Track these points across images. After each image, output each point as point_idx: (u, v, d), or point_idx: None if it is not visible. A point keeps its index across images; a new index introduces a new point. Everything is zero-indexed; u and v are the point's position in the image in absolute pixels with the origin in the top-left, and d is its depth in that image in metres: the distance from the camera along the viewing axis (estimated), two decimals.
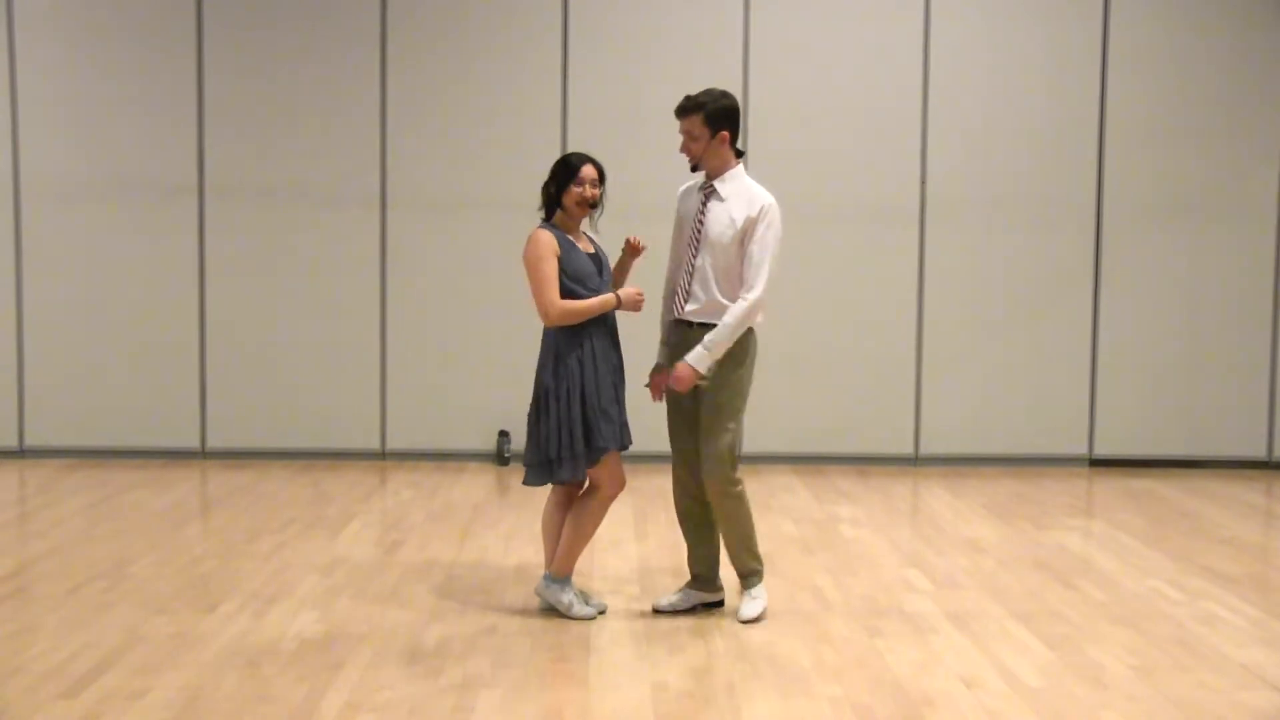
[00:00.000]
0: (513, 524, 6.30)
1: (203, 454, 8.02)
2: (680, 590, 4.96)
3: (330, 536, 6.04)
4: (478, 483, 7.38)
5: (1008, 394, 8.03)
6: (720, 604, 4.94)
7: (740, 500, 4.76)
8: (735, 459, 4.73)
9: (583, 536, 4.79)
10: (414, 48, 7.87)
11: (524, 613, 4.84)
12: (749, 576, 4.86)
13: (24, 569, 5.40)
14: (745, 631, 4.64)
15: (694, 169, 4.80)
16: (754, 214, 4.64)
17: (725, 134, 4.71)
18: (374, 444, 8.02)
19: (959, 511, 6.79)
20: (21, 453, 8.01)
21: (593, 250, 4.81)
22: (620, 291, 4.70)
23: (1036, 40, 7.92)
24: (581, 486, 4.84)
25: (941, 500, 7.11)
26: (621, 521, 6.35)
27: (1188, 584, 5.35)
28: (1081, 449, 8.09)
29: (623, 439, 4.77)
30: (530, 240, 4.68)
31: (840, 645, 4.49)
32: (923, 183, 7.94)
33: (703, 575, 4.94)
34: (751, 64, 7.87)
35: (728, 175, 4.74)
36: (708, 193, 4.77)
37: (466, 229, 7.89)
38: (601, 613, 4.84)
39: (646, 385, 4.89)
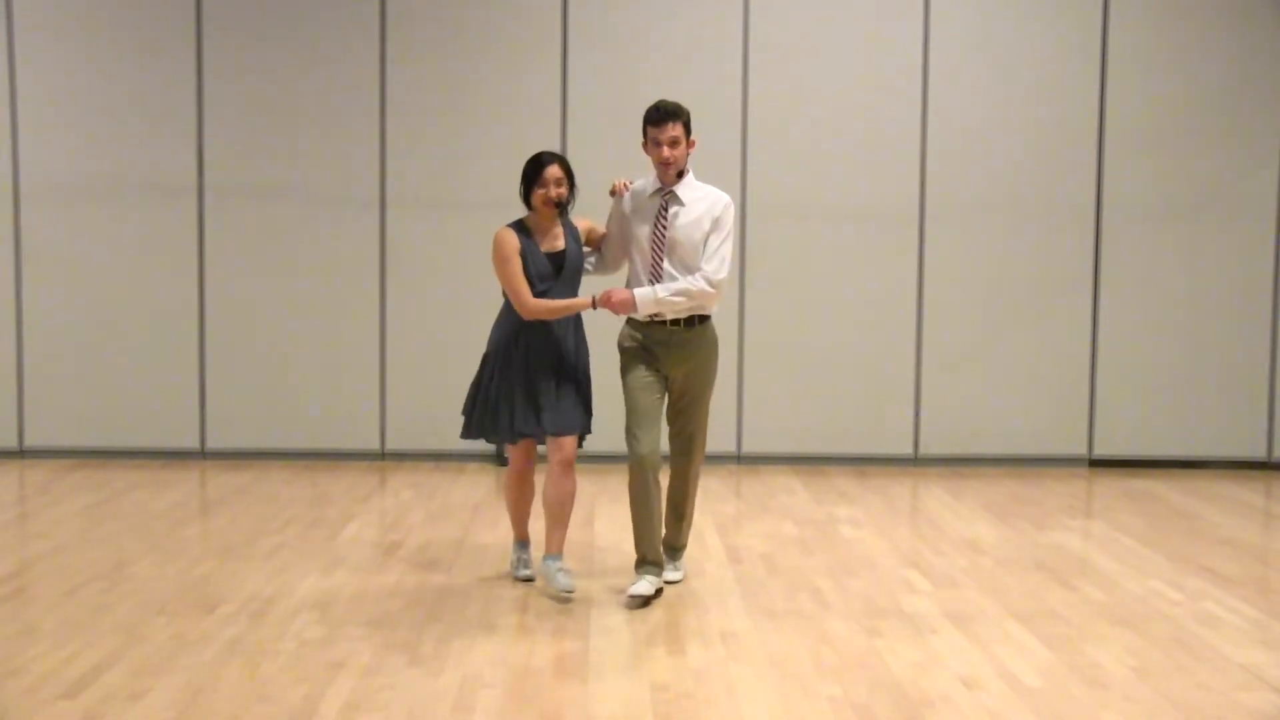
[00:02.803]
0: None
1: (202, 454, 8.02)
2: (644, 578, 5.06)
3: (330, 537, 6.04)
4: (477, 483, 7.37)
5: (1007, 394, 8.03)
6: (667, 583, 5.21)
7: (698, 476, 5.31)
8: None
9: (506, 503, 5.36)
10: (413, 48, 7.87)
11: (524, 612, 4.84)
12: (682, 549, 5.35)
13: (24, 569, 5.40)
14: (745, 632, 4.64)
15: (680, 175, 4.96)
16: (718, 213, 4.91)
17: (694, 140, 4.98)
18: (373, 445, 8.02)
19: (958, 512, 6.79)
20: (21, 453, 8.01)
21: (561, 247, 5.00)
22: (598, 295, 4.91)
23: (1036, 41, 7.92)
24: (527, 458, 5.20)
25: (941, 501, 7.11)
26: (622, 522, 6.34)
27: (1187, 585, 5.36)
28: (1081, 449, 8.09)
29: (536, 429, 5.01)
30: (494, 242, 4.97)
31: (840, 646, 4.50)
32: (922, 183, 7.95)
33: (659, 560, 5.13)
34: (751, 64, 7.88)
35: (686, 181, 4.97)
36: (667, 198, 4.94)
37: (466, 229, 7.89)
38: (528, 580, 5.22)
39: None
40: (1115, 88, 7.93)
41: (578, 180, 5.06)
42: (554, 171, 4.92)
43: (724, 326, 7.83)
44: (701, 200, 4.93)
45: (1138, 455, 8.10)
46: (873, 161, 7.92)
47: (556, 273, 4.97)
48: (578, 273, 5.08)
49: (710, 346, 5.07)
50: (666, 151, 4.87)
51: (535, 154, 4.99)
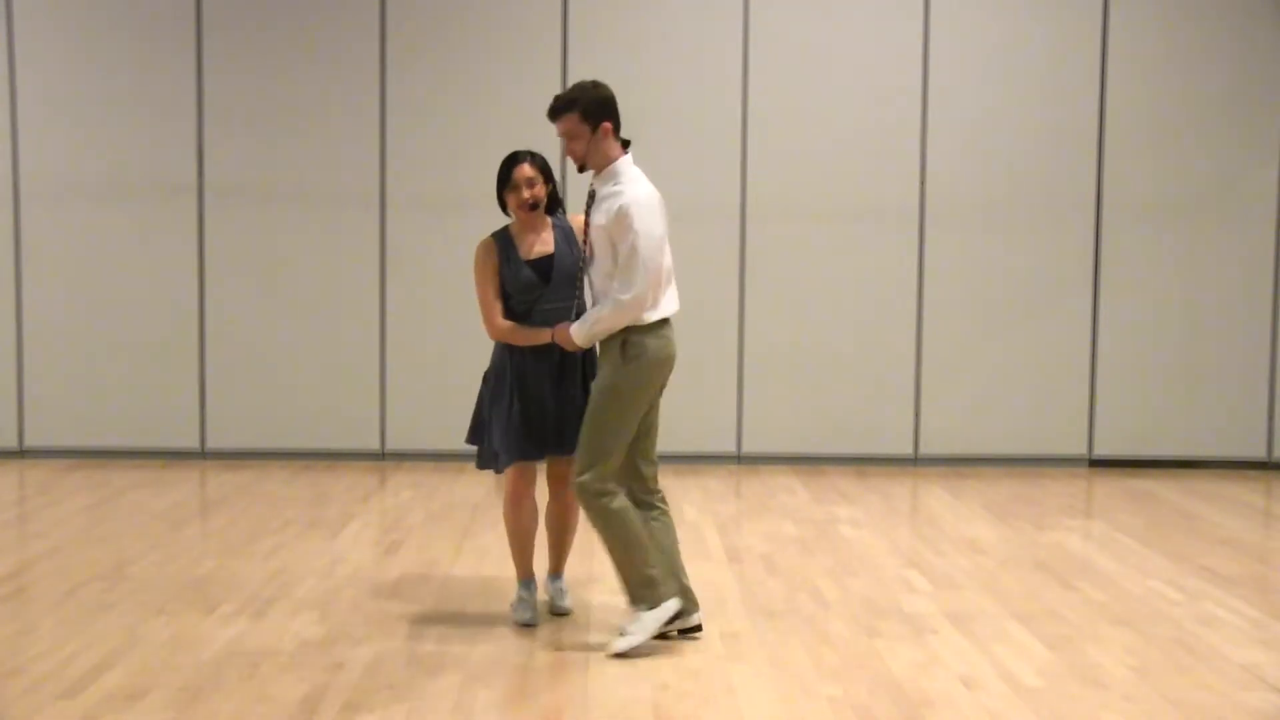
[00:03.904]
0: None
1: (202, 454, 8.02)
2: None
3: (330, 537, 6.04)
4: (477, 483, 7.37)
5: (1007, 394, 8.03)
6: (698, 629, 4.57)
7: (608, 512, 4.38)
8: (613, 467, 4.40)
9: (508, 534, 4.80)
10: (414, 47, 7.87)
11: None
12: (634, 601, 4.44)
13: (24, 569, 5.40)
14: (745, 632, 4.63)
15: (581, 170, 4.50)
16: (612, 218, 4.31)
17: (607, 126, 4.39)
18: (373, 444, 8.02)
19: (958, 512, 6.79)
20: (21, 453, 8.01)
21: (549, 250, 4.61)
22: (555, 329, 4.51)
23: (1036, 40, 7.93)
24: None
25: (941, 501, 7.11)
26: None
27: (1187, 585, 5.35)
28: (1081, 449, 8.09)
29: (527, 452, 4.60)
30: (476, 252, 4.66)
31: (840, 646, 4.49)
32: (922, 183, 7.95)
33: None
34: (751, 64, 7.87)
35: (607, 173, 4.42)
36: (590, 194, 4.48)
37: (466, 229, 7.83)
38: (529, 624, 4.65)
39: None
40: (1115, 88, 7.93)
41: (577, 181, 4.92)
42: (524, 171, 4.55)
43: (724, 326, 7.90)
44: (611, 198, 4.35)
45: (1138, 455, 8.10)
46: (873, 161, 7.92)
47: (544, 279, 4.58)
48: (573, 277, 4.58)
49: (612, 361, 4.40)
50: (565, 147, 4.44)
51: (509, 153, 4.65)
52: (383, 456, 8.05)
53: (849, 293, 7.98)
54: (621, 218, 4.30)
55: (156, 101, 7.87)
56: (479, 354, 7.57)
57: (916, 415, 8.05)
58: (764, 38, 7.87)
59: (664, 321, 4.46)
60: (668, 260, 4.48)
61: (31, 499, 6.91)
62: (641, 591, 4.43)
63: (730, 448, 8.02)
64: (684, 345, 7.90)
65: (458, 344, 7.92)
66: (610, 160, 4.44)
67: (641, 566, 4.42)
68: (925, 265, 7.99)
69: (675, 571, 4.57)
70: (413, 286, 7.96)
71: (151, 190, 7.91)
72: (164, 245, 7.93)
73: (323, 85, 7.88)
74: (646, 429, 4.57)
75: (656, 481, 4.64)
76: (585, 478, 4.38)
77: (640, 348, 4.39)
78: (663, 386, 4.57)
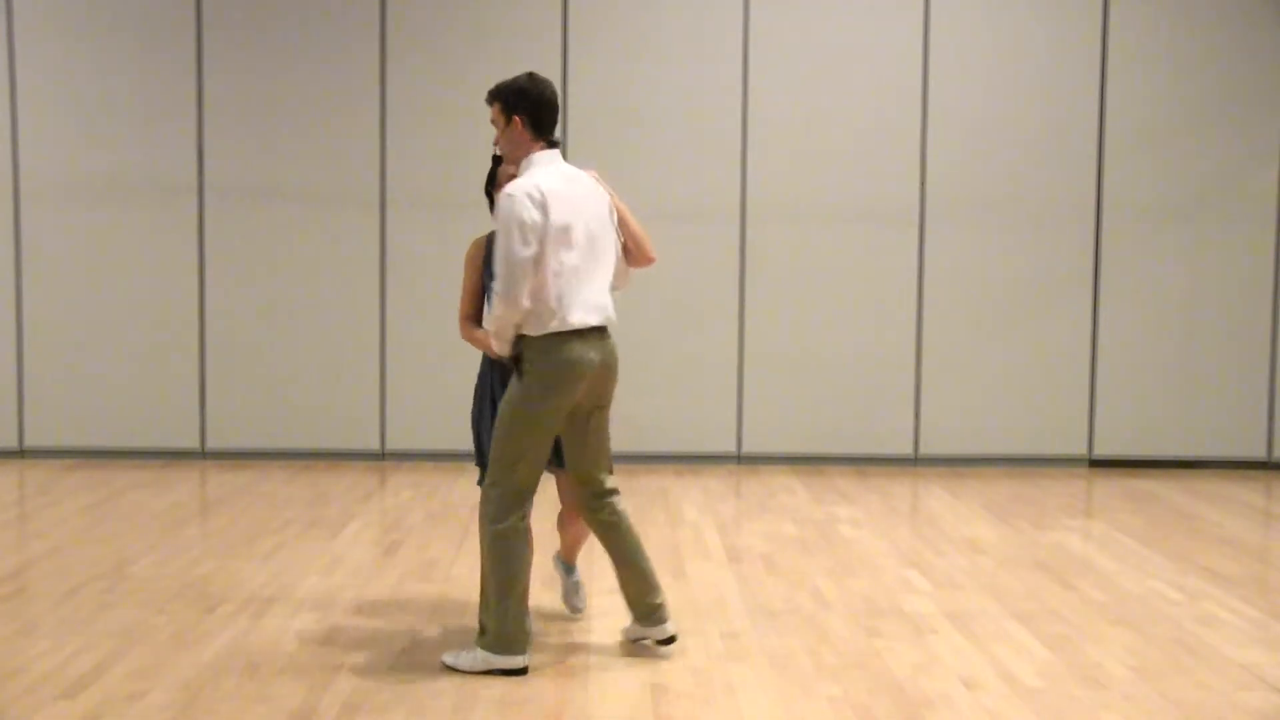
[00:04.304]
0: None
1: (202, 454, 8.02)
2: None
3: (329, 537, 6.04)
4: (477, 483, 7.36)
5: (1007, 394, 8.03)
6: (670, 640, 4.37)
7: (493, 537, 4.21)
8: (511, 491, 4.22)
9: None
10: (414, 47, 7.87)
11: None
12: (482, 634, 4.17)
13: (24, 569, 5.40)
14: (745, 632, 4.64)
15: (496, 161, 4.52)
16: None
17: (517, 120, 4.24)
18: (373, 444, 8.02)
19: (958, 512, 6.79)
20: (21, 453, 8.01)
21: None
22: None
23: (1036, 40, 7.93)
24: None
25: (941, 501, 7.11)
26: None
27: (1187, 584, 5.36)
28: (1081, 449, 8.09)
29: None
30: (467, 249, 4.70)
31: (839, 646, 4.49)
32: (922, 183, 7.95)
33: (633, 609, 4.44)
34: (751, 64, 7.88)
35: (520, 168, 4.29)
36: None
37: (466, 229, 7.83)
38: (577, 610, 4.81)
39: None
40: (1115, 88, 7.93)
41: None
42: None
43: (724, 326, 7.90)
44: None
45: (1138, 455, 8.10)
46: (873, 161, 7.93)
47: None
48: None
49: (515, 375, 4.20)
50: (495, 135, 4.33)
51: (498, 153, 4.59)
52: (383, 456, 8.05)
53: (849, 293, 7.98)
54: (499, 211, 4.14)
55: (156, 101, 7.88)
56: (478, 354, 7.53)
57: (916, 415, 8.05)
58: (764, 38, 7.88)
59: (567, 334, 4.11)
60: (585, 265, 4.17)
61: (31, 499, 6.91)
62: (496, 638, 4.14)
63: (730, 448, 8.02)
64: (684, 345, 7.97)
65: (458, 344, 7.86)
66: (523, 154, 4.29)
67: (505, 616, 4.13)
68: (925, 265, 7.99)
69: (647, 584, 4.37)
70: (413, 286, 7.96)
71: (151, 190, 7.91)
72: (164, 245, 7.94)
73: (323, 85, 7.88)
74: (584, 444, 4.34)
75: (606, 494, 4.40)
76: (487, 493, 4.27)
77: (531, 363, 4.13)
78: (597, 406, 4.30)
